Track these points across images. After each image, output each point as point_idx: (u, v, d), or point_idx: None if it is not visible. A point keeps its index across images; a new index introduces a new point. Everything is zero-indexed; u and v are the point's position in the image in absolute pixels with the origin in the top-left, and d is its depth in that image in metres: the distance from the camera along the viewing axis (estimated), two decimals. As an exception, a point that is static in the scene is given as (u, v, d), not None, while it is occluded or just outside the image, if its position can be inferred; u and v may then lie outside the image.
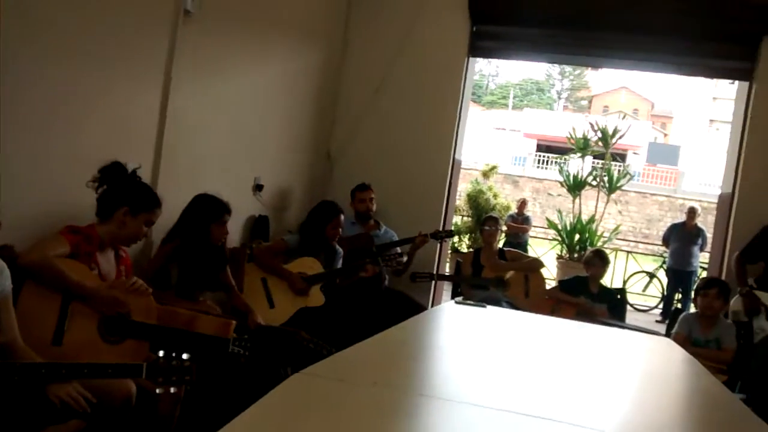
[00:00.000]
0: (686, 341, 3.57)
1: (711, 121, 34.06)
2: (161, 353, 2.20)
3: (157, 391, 2.20)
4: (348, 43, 5.37)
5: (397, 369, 2.10)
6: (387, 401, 1.72)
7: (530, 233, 10.53)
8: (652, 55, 5.18)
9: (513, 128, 29.79)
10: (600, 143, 9.93)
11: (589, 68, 39.21)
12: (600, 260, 4.65)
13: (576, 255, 9.04)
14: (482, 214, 10.09)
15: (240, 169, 4.24)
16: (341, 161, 5.36)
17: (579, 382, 2.26)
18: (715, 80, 30.15)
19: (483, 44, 5.30)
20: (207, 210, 3.29)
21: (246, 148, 4.27)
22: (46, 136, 2.74)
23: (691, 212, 8.77)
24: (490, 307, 3.54)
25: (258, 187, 4.44)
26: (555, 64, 37.16)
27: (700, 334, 3.70)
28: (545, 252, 10.43)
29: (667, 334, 4.01)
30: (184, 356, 2.22)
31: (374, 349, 2.24)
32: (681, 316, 3.85)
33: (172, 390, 2.21)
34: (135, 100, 3.24)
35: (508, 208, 10.63)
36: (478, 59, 5.51)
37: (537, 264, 5.07)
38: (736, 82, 5.24)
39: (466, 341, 2.78)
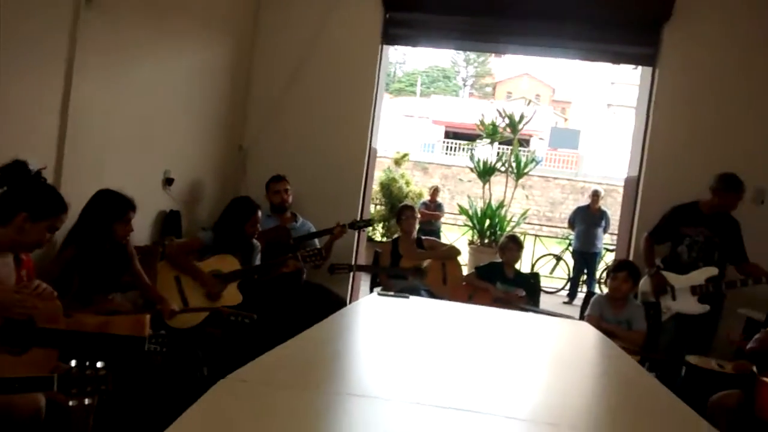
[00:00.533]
0: (599, 322, 3.69)
1: (609, 105, 35.58)
2: (73, 363, 2.07)
3: (70, 403, 2.06)
4: (259, 32, 5.23)
5: (320, 369, 2.07)
6: (308, 403, 1.70)
7: (441, 220, 10.67)
8: (556, 41, 5.28)
9: (421, 115, 30.10)
10: (508, 129, 10.17)
11: (493, 55, 40.17)
12: (515, 245, 4.74)
13: (487, 240, 9.24)
14: (395, 203, 10.16)
15: (149, 163, 4.06)
16: (254, 153, 5.23)
17: (498, 370, 2.31)
18: (613, 65, 31.53)
19: (396, 31, 5.28)
20: (109, 208, 3.08)
21: (155, 141, 4.08)
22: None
23: (595, 195, 9.11)
24: (412, 298, 3.56)
25: (168, 181, 4.26)
26: (461, 51, 37.81)
27: (611, 315, 3.83)
28: (457, 238, 10.59)
29: (581, 317, 4.15)
30: (99, 364, 2.09)
31: (299, 350, 2.19)
32: (593, 298, 3.98)
33: (86, 401, 2.08)
34: (35, 92, 3.03)
35: (420, 195, 10.73)
36: (391, 47, 5.48)
37: (454, 251, 5.13)
38: (639, 67, 5.43)
39: (388, 334, 2.78)
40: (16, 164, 2.46)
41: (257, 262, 4.06)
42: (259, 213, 4.04)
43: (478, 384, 2.06)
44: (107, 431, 2.61)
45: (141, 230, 3.52)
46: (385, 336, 2.73)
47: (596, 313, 3.83)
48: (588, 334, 3.25)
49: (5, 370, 2.25)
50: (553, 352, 2.92)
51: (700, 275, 4.10)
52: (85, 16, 3.17)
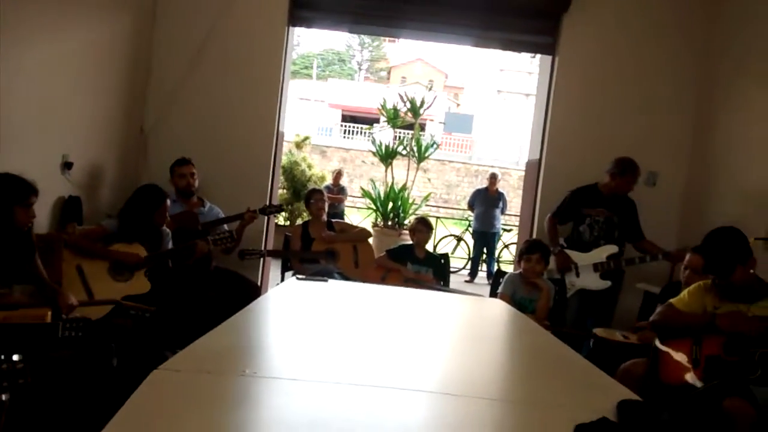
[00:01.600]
0: (510, 301, 3.83)
1: (499, 91, 36.68)
2: (-16, 357, 1.93)
3: (-15, 401, 1.93)
4: (159, 9, 5.00)
5: (252, 354, 2.07)
6: (219, 385, 1.68)
7: (345, 203, 10.69)
8: (450, 27, 5.35)
9: (317, 98, 29.90)
10: (409, 114, 10.28)
11: (387, 40, 40.47)
12: (425, 227, 4.82)
13: (390, 223, 9.34)
14: (298, 186, 10.06)
15: (46, 146, 3.82)
16: (156, 136, 5.02)
17: (409, 347, 2.37)
18: (504, 52, 32.49)
19: (302, 14, 5.20)
20: (9, 191, 2.90)
21: (52, 123, 3.84)
22: None
23: (493, 178, 9.42)
24: (330, 281, 3.56)
25: (67, 165, 4.02)
26: (356, 35, 37.81)
27: (524, 293, 3.98)
28: (361, 221, 10.65)
29: (492, 295, 4.29)
30: (15, 357, 1.97)
31: (227, 337, 2.15)
32: (506, 276, 4.10)
33: (3, 398, 1.95)
34: None
35: (323, 178, 10.68)
36: (296, 28, 5.40)
37: (365, 234, 5.15)
38: (538, 55, 5.62)
39: (312, 318, 2.77)
40: None
41: (168, 247, 3.92)
42: (168, 202, 3.90)
43: (394, 361, 2.11)
44: (20, 427, 2.47)
45: (40, 217, 3.29)
46: (307, 319, 2.72)
47: (509, 292, 3.95)
48: (503, 310, 3.37)
49: None
50: (467, 328, 3.01)
51: (601, 253, 4.32)
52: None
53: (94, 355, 2.96)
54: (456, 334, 2.83)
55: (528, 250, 4.02)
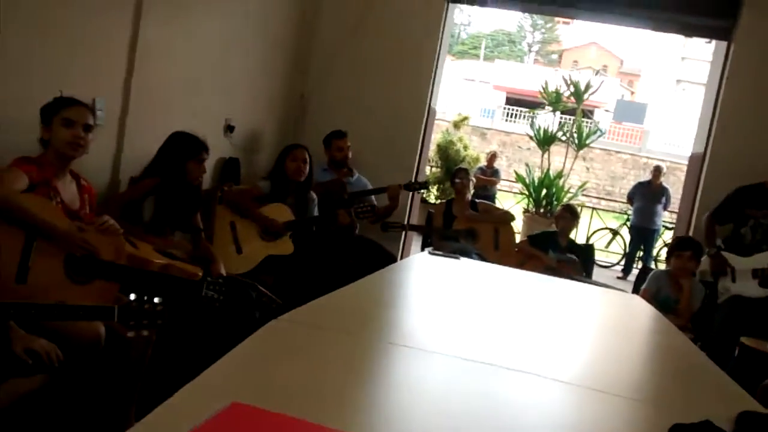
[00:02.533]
0: (652, 298, 3.63)
1: (678, 81, 34.37)
2: (132, 296, 2.15)
3: (128, 334, 2.15)
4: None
5: (370, 318, 2.10)
6: (360, 349, 1.73)
7: (498, 186, 10.57)
8: (627, 9, 5.11)
9: (483, 79, 29.63)
10: (572, 98, 9.93)
11: (561, 22, 39.12)
12: (570, 215, 4.68)
13: (542, 210, 9.13)
14: (452, 166, 10.08)
15: (211, 109, 4.12)
16: (314, 105, 5.24)
17: (545, 334, 2.29)
18: (684, 40, 30.35)
19: (462, -10, 5.18)
20: (184, 147, 3.19)
21: (218, 88, 4.13)
22: (10, 70, 2.61)
23: (657, 171, 8.88)
24: (463, 259, 3.55)
25: (229, 128, 4.32)
26: (528, 15, 36.90)
27: (670, 292, 3.75)
28: (512, 206, 10.47)
29: (635, 291, 4.08)
30: (156, 300, 2.17)
31: (349, 298, 2.23)
32: (652, 273, 3.89)
33: (143, 333, 2.16)
34: (104, 33, 3.09)
35: (477, 160, 10.63)
36: (457, 6, 5.38)
37: (508, 217, 5.08)
38: (713, 42, 5.22)
39: (437, 292, 2.79)
40: (44, 106, 2.52)
41: (314, 213, 4.11)
42: (306, 154, 4.05)
43: (523, 345, 2.06)
44: (163, 365, 2.72)
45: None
46: (434, 293, 2.75)
47: (653, 288, 3.75)
48: (640, 307, 3.20)
49: (69, 296, 2.36)
50: (602, 321, 2.89)
51: (763, 258, 3.96)
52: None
53: (236, 306, 3.17)
54: (588, 325, 2.73)
55: (679, 246, 3.78)
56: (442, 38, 5.15)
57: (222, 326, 3.13)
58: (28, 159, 2.43)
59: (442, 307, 2.46)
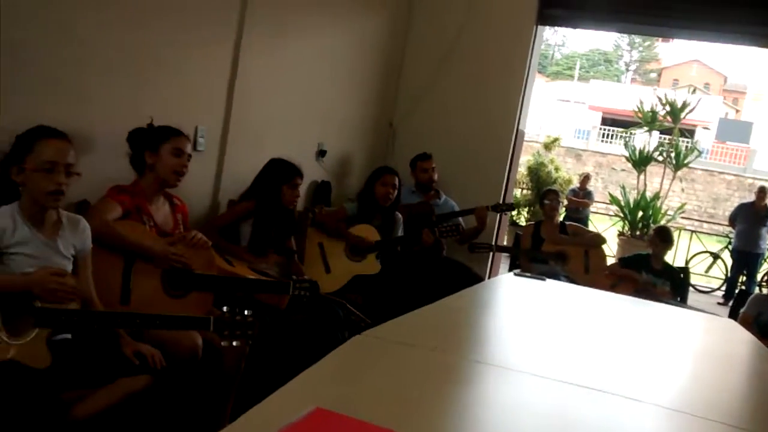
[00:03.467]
0: (752, 322, 3.48)
1: (787, 97, 32.54)
2: (225, 308, 2.29)
3: (222, 344, 2.29)
4: (413, 11, 5.32)
5: (456, 335, 2.12)
6: (445, 365, 1.74)
7: (591, 208, 10.34)
8: (727, 25, 4.92)
9: (578, 100, 29.08)
10: (668, 117, 9.62)
11: (660, 39, 37.90)
12: (660, 240, 4.54)
13: (638, 232, 8.87)
14: (542, 187, 9.96)
15: (305, 135, 4.30)
16: (402, 130, 5.36)
17: (637, 357, 2.24)
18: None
19: (551, 12, 5.17)
20: (279, 172, 3.37)
21: (311, 114, 4.31)
22: (117, 98, 2.84)
23: (761, 192, 8.46)
24: (549, 281, 3.53)
25: (321, 153, 4.49)
26: (624, 35, 36.00)
27: (771, 317, 3.60)
28: (606, 228, 10.23)
29: (732, 316, 3.92)
30: (247, 312, 2.31)
31: (434, 316, 2.26)
32: (752, 296, 3.74)
33: (234, 344, 2.30)
34: (206, 62, 3.32)
35: (569, 181, 10.45)
36: (546, 27, 5.38)
37: (599, 239, 5.00)
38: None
39: (524, 312, 2.78)
40: (134, 131, 2.71)
41: (400, 234, 4.20)
42: (396, 179, 4.15)
43: (614, 367, 2.01)
44: (256, 377, 2.86)
45: (296, 198, 3.75)
46: (520, 312, 2.74)
47: (753, 313, 3.60)
48: (736, 332, 3.07)
49: (169, 310, 2.54)
50: (697, 346, 2.80)
51: None
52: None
53: (323, 323, 3.29)
54: (683, 349, 2.65)
55: None
56: (531, 59, 5.16)
57: (311, 344, 3.26)
58: (120, 188, 2.62)
59: (528, 327, 2.45)
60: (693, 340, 2.90)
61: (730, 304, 8.23)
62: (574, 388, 1.68)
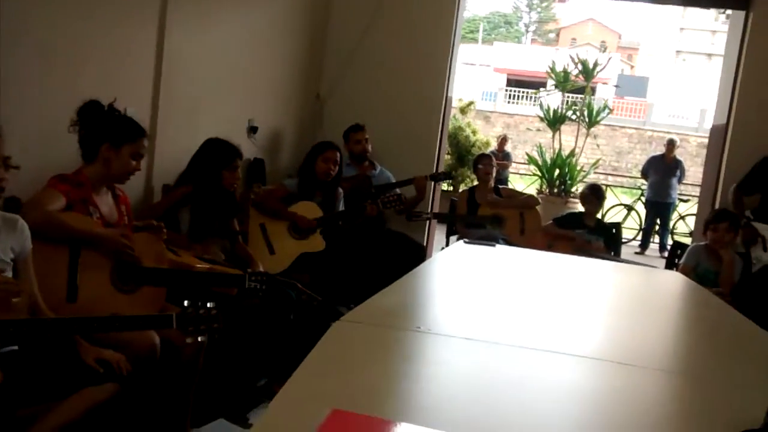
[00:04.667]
0: (691, 272, 3.63)
1: (678, 52, 34.17)
2: (186, 303, 2.17)
3: (187, 341, 2.17)
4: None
5: (428, 311, 2.15)
6: (423, 343, 1.73)
7: (509, 169, 10.56)
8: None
9: (482, 63, 29.51)
10: (580, 77, 9.88)
11: (557, 0, 38.93)
12: (596, 198, 4.65)
13: (556, 190, 9.11)
14: (462, 152, 10.07)
15: (235, 111, 4.14)
16: (331, 102, 5.24)
17: (583, 314, 2.30)
18: (683, 10, 30.16)
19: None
20: (218, 155, 3.21)
21: (239, 90, 4.15)
22: (41, 82, 2.64)
23: (670, 144, 8.87)
24: (498, 246, 3.56)
25: (252, 129, 4.33)
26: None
27: (709, 265, 3.76)
28: (525, 187, 10.48)
29: (668, 267, 4.09)
30: (210, 304, 2.19)
31: (402, 294, 2.23)
32: (690, 247, 3.89)
33: (200, 339, 2.18)
34: (131, 42, 3.13)
35: (487, 144, 10.60)
36: (468, -8, 5.36)
37: (533, 201, 5.08)
38: (730, 12, 5.16)
39: (480, 280, 2.79)
40: (90, 104, 2.50)
41: (341, 208, 4.12)
42: (338, 154, 4.07)
43: (562, 326, 2.07)
44: (215, 370, 2.74)
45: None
46: (475, 281, 2.75)
47: (691, 263, 3.75)
48: (679, 282, 3.20)
49: (120, 307, 2.38)
50: (640, 299, 2.89)
51: (792, 226, 3.97)
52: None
53: (276, 306, 3.19)
54: (629, 304, 2.73)
55: (715, 218, 3.78)
56: (456, 25, 5.13)
57: (261, 327, 3.17)
58: (63, 177, 2.42)
59: (476, 293, 2.47)
60: (637, 294, 2.99)
61: (652, 254, 8.70)
62: (501, 347, 1.73)
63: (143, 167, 3.24)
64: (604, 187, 10.21)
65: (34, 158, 2.49)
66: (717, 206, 4.68)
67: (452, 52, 5.14)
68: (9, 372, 1.85)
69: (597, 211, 4.69)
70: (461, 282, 2.74)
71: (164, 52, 3.27)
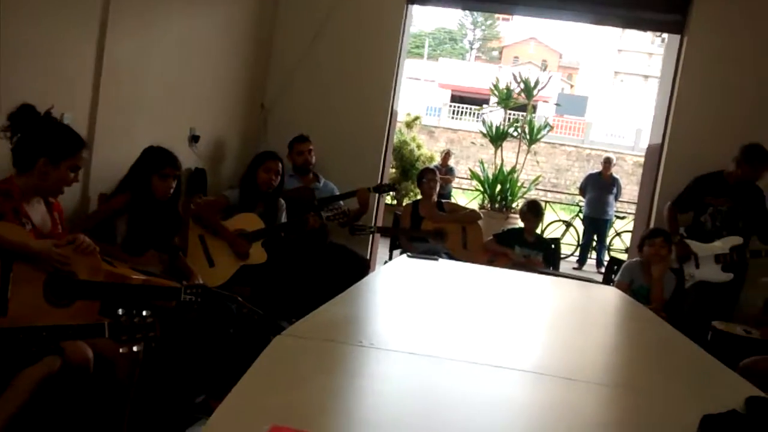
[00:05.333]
0: (628, 289, 3.72)
1: (616, 72, 35.27)
2: (121, 311, 2.10)
3: (121, 350, 2.10)
4: (282, -11, 5.16)
5: (370, 325, 2.14)
6: (365, 357, 1.72)
7: (452, 184, 10.67)
8: (576, 3, 5.19)
9: (427, 78, 29.82)
10: (523, 94, 10.08)
11: (501, 18, 39.70)
12: (534, 215, 4.73)
13: (497, 205, 9.24)
14: (407, 166, 10.14)
15: (176, 120, 4.06)
16: (276, 112, 5.20)
17: (521, 328, 2.34)
18: (621, 32, 31.19)
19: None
20: (149, 161, 3.11)
21: (181, 98, 4.08)
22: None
23: (607, 162, 9.12)
24: (441, 260, 3.58)
25: (194, 138, 4.25)
26: (468, 12, 37.35)
27: (643, 281, 3.86)
28: (468, 202, 10.59)
29: (605, 282, 4.19)
30: (145, 312, 2.13)
31: (344, 308, 2.21)
32: (624, 264, 4.00)
33: (135, 348, 2.12)
34: (70, 49, 3.04)
35: (431, 159, 10.70)
36: (416, 6, 5.39)
37: (475, 215, 5.13)
38: (666, 35, 5.36)
39: (423, 294, 2.80)
40: (24, 109, 2.41)
41: (282, 220, 4.08)
42: (279, 165, 4.04)
43: (502, 341, 2.10)
44: (151, 382, 2.66)
45: (169, 187, 3.52)
46: (418, 295, 2.76)
47: (626, 280, 3.85)
48: (615, 297, 3.28)
49: (52, 321, 2.29)
50: (578, 313, 2.95)
51: (724, 244, 4.12)
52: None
53: (215, 320, 3.12)
54: (567, 318, 2.78)
55: (651, 234, 3.90)
56: (402, 39, 5.17)
57: (200, 341, 3.09)
58: None
59: (419, 308, 2.48)
60: (574, 308, 3.05)
61: (589, 270, 8.89)
62: (443, 362, 1.73)
63: (79, 175, 3.17)
64: (543, 204, 10.44)
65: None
66: (652, 223, 4.83)
67: (398, 66, 5.17)
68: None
69: (536, 227, 4.77)
70: (404, 296, 2.75)
71: (104, 57, 3.18)
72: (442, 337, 2.04)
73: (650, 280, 3.83)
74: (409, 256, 3.57)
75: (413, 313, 2.41)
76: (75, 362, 2.21)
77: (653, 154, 5.12)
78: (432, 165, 10.22)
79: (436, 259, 3.51)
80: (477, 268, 3.60)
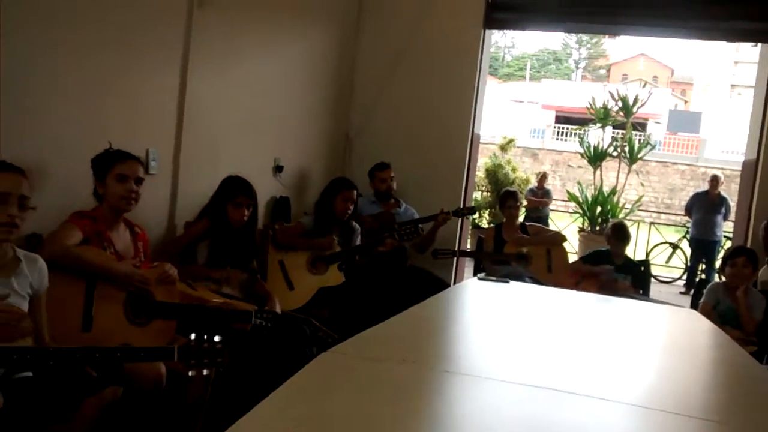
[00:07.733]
0: (712, 311, 3.54)
1: (732, 86, 33.47)
2: (193, 336, 2.23)
3: (189, 373, 2.23)
4: (362, 21, 5.31)
5: (423, 345, 2.12)
6: (414, 378, 1.72)
7: (551, 206, 10.45)
8: (670, 20, 5.04)
9: (531, 100, 29.47)
10: (621, 113, 9.79)
11: (607, 36, 38.69)
12: (616, 239, 4.58)
13: (598, 227, 8.99)
14: (501, 189, 10.02)
15: (259, 151, 4.26)
16: (359, 141, 5.34)
17: (603, 355, 2.26)
18: (736, 44, 29.61)
19: (498, 16, 5.21)
20: (225, 190, 3.31)
21: (265, 130, 4.27)
22: (66, 125, 2.77)
23: (714, 180, 8.64)
24: (513, 283, 3.55)
25: (278, 169, 4.44)
26: (572, 34, 36.63)
27: (728, 303, 3.66)
28: (566, 225, 10.35)
29: (693, 306, 3.99)
30: (216, 338, 2.25)
31: (400, 327, 2.25)
32: (709, 285, 3.80)
33: (204, 372, 2.23)
34: (154, 86, 3.26)
35: (527, 181, 10.55)
36: (494, 31, 5.42)
37: (559, 238, 5.03)
38: (759, 44, 5.10)
39: (490, 317, 2.78)
40: (104, 152, 2.66)
41: (357, 243, 4.18)
42: (354, 193, 4.13)
43: (581, 367, 2.02)
44: (222, 404, 2.80)
45: (254, 216, 3.70)
46: (486, 317, 2.75)
47: (711, 301, 3.66)
48: (696, 322, 3.12)
49: (132, 338, 2.48)
50: (661, 339, 2.84)
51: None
52: (197, 14, 3.39)
53: (289, 343, 3.23)
54: (646, 343, 2.67)
55: (732, 254, 3.69)
56: (480, 63, 5.19)
57: (278, 363, 3.20)
58: (82, 214, 2.57)
59: (495, 332, 2.45)
60: (657, 333, 2.94)
61: (691, 293, 8.44)
62: (543, 392, 1.68)
63: (164, 207, 3.41)
64: (648, 225, 10.05)
65: (55, 197, 2.65)
66: (749, 243, 4.56)
67: (477, 89, 5.19)
68: (15, 398, 1.95)
69: (621, 252, 4.61)
70: (468, 318, 2.75)
71: (186, 95, 3.41)
72: (491, 358, 2.02)
73: (736, 302, 3.62)
74: (479, 278, 3.56)
75: (469, 333, 2.42)
76: (149, 379, 2.37)
77: (749, 170, 4.85)
78: (528, 187, 10.09)
79: (508, 282, 3.49)
80: (549, 291, 3.53)
